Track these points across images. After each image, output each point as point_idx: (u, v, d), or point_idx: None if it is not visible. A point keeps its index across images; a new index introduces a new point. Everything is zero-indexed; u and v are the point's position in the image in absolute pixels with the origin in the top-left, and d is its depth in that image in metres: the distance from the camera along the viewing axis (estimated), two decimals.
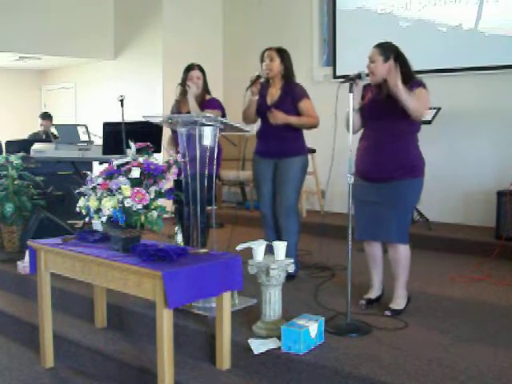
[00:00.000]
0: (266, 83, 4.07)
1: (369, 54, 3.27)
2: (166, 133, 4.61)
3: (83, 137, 5.46)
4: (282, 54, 4.00)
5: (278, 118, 3.91)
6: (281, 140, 3.99)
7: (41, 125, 7.46)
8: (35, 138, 7.17)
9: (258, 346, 2.84)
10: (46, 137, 7.09)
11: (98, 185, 2.88)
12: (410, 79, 3.23)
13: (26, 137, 7.32)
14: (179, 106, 4.39)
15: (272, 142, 4.03)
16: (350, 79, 3.11)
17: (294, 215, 4.04)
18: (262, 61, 4.03)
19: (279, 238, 3.88)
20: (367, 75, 3.26)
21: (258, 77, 3.91)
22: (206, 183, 3.46)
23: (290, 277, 3.90)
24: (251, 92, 3.95)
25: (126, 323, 3.52)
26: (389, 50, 3.24)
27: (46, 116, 7.54)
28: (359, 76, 3.14)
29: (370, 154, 3.28)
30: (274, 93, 4.03)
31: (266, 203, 4.13)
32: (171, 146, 4.45)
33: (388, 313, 3.31)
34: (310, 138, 4.20)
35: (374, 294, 3.50)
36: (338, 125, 3.18)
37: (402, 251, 3.32)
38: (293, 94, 3.97)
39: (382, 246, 3.47)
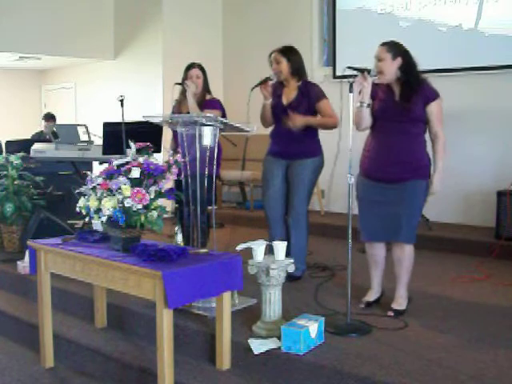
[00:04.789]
0: (280, 83, 4.01)
1: (376, 53, 3.23)
2: (166, 133, 4.61)
3: (83, 137, 5.46)
4: (287, 53, 3.94)
5: (297, 121, 3.83)
6: (295, 141, 3.94)
7: (45, 126, 7.42)
8: (39, 137, 7.15)
9: (258, 346, 2.84)
10: (49, 137, 7.08)
11: (98, 185, 2.88)
12: (420, 82, 3.22)
13: (28, 136, 7.28)
14: (180, 106, 4.39)
15: (286, 142, 3.98)
16: (360, 71, 3.10)
17: (304, 217, 3.99)
18: (271, 64, 3.99)
19: (285, 239, 3.82)
20: (375, 75, 3.24)
21: (268, 79, 3.87)
22: (206, 183, 3.46)
23: (295, 278, 3.91)
24: (263, 96, 3.91)
25: (125, 323, 3.52)
26: (396, 47, 3.22)
27: (50, 117, 7.51)
28: (368, 71, 3.12)
29: (382, 155, 3.27)
30: (290, 93, 3.97)
31: (270, 204, 4.08)
32: (172, 148, 4.46)
33: (391, 313, 3.30)
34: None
35: (372, 296, 3.49)
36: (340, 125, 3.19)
37: (408, 251, 3.32)
38: (310, 95, 3.92)
39: (386, 246, 3.46)
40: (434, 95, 3.22)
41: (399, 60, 3.20)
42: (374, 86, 3.33)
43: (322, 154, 4.08)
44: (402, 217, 3.24)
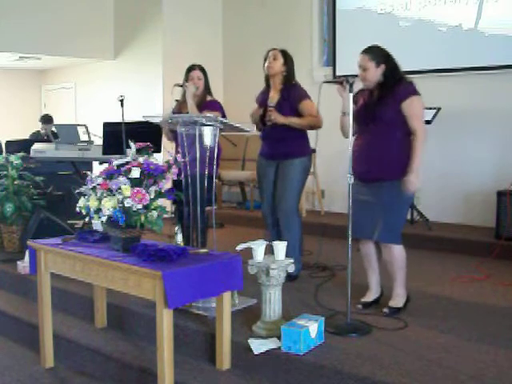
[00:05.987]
0: (267, 86, 4.09)
1: (359, 62, 3.25)
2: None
3: (83, 137, 5.46)
4: (286, 56, 4.01)
5: (276, 118, 3.90)
6: (283, 141, 3.98)
7: (45, 129, 7.41)
8: (37, 137, 7.14)
9: (258, 346, 2.84)
10: (47, 137, 7.07)
11: (98, 185, 2.88)
12: (399, 82, 3.24)
13: (26, 137, 7.28)
14: (180, 107, 4.38)
15: (274, 143, 4.03)
16: (339, 82, 3.14)
17: (295, 217, 4.02)
18: (265, 60, 4.03)
19: (281, 239, 3.84)
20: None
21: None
22: (206, 183, 3.46)
23: (292, 277, 3.91)
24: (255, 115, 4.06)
25: (125, 323, 3.53)
26: (379, 54, 3.24)
27: (47, 119, 7.49)
28: (347, 81, 3.12)
29: (362, 156, 3.29)
30: (274, 97, 4.02)
31: (268, 205, 4.14)
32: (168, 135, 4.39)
33: (386, 310, 3.31)
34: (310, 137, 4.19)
35: (371, 296, 3.49)
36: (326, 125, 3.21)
37: (395, 251, 3.32)
38: (291, 98, 3.95)
39: (377, 247, 3.46)
40: (406, 93, 3.21)
41: (383, 66, 3.23)
42: (361, 91, 3.37)
43: (310, 154, 4.13)
44: (383, 216, 3.26)
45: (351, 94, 3.07)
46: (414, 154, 3.18)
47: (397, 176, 3.22)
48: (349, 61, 6.41)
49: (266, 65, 4.01)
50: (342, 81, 3.14)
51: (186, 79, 4.28)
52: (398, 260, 3.33)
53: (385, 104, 3.22)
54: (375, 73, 3.23)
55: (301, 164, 4.02)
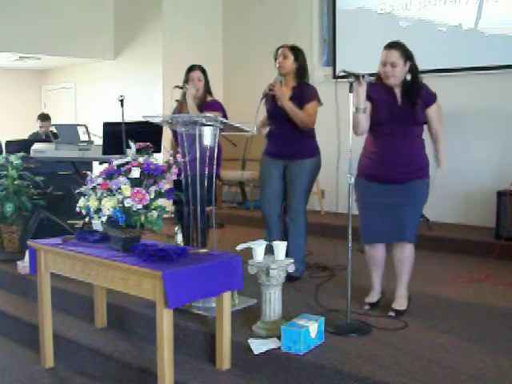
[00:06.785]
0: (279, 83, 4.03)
1: (387, 58, 3.19)
2: (166, 133, 4.61)
3: (83, 137, 5.46)
4: (296, 52, 3.97)
5: (279, 91, 3.87)
6: (291, 141, 3.96)
7: (40, 127, 7.38)
8: (35, 138, 7.13)
9: (258, 346, 2.84)
10: (45, 137, 7.05)
11: (98, 185, 2.88)
12: (420, 85, 3.25)
13: (26, 137, 7.28)
14: (181, 107, 4.38)
15: (282, 143, 4.00)
16: (355, 76, 3.06)
17: (302, 217, 4.00)
18: (275, 58, 4.00)
19: (281, 239, 3.82)
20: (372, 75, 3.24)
21: (276, 79, 3.97)
22: (206, 183, 3.46)
23: (294, 278, 3.91)
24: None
25: (125, 323, 3.53)
26: (406, 51, 3.23)
27: (45, 117, 7.48)
28: (363, 75, 3.10)
29: (389, 157, 3.26)
30: (286, 92, 3.97)
31: (267, 203, 4.09)
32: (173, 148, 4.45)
33: (392, 313, 3.30)
34: None
35: (375, 297, 3.49)
36: (338, 124, 3.20)
37: (409, 250, 3.34)
38: (302, 97, 3.92)
39: (386, 248, 3.46)
40: (433, 98, 3.28)
41: (408, 64, 3.23)
42: (370, 85, 3.28)
43: (320, 154, 4.10)
44: (408, 217, 3.26)
45: (351, 94, 3.06)
46: (444, 148, 3.30)
47: (424, 175, 3.30)
48: (349, 61, 6.45)
49: (277, 64, 3.96)
50: (358, 75, 3.08)
51: (186, 80, 4.27)
52: (409, 259, 3.34)
53: (416, 104, 3.21)
54: (403, 70, 3.21)
55: (310, 164, 3.99)
